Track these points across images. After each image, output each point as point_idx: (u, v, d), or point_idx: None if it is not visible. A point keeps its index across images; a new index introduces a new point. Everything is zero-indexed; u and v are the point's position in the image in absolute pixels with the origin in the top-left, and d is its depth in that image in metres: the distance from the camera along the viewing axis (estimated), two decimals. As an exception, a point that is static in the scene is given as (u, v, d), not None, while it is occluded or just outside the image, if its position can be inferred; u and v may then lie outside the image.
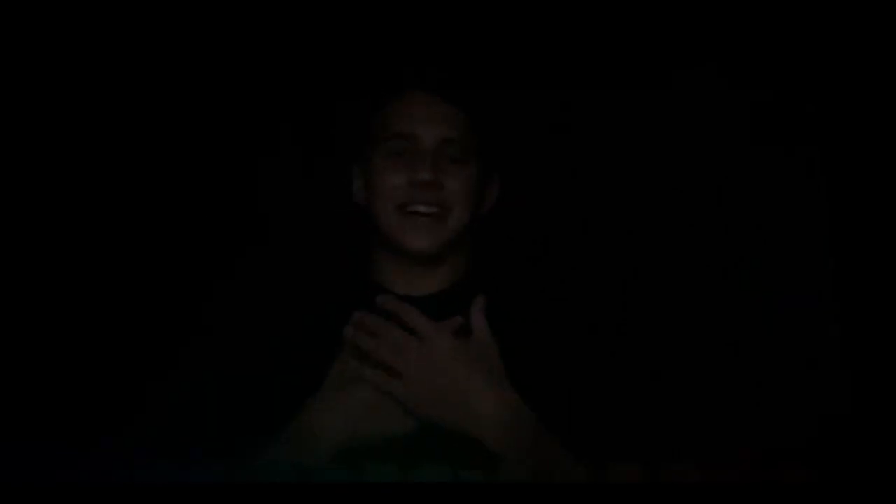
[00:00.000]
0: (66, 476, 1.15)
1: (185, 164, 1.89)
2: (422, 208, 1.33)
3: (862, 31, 1.78)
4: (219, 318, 1.69)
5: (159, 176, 1.89)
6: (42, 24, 1.83)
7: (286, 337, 1.35)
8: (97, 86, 1.86)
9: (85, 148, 1.86)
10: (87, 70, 1.86)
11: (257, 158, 1.90)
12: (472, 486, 1.14)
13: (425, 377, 1.17)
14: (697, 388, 1.79)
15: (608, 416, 1.30)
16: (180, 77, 1.89)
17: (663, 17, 1.87)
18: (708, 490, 1.14)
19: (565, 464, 1.18)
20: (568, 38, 1.89)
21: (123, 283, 1.86)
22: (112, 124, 1.87)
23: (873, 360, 1.75)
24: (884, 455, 1.55)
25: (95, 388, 1.78)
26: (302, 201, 1.88)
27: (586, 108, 1.88)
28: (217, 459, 1.18)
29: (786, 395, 1.78)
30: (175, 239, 1.88)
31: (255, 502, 1.13)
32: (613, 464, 1.17)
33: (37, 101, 1.83)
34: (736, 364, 1.80)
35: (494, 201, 1.45)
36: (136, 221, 1.88)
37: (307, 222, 1.87)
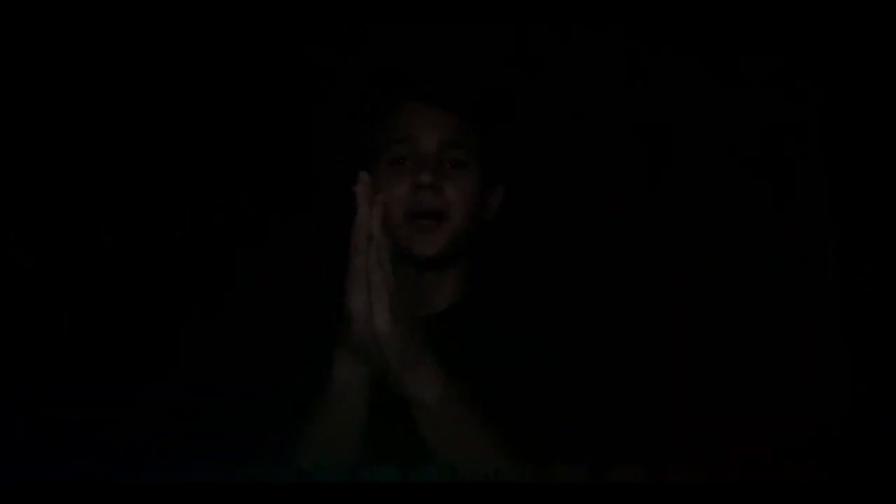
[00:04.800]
0: (66, 476, 1.15)
1: (186, 173, 1.90)
2: (423, 211, 1.33)
3: (864, 30, 1.78)
4: (219, 330, 1.70)
5: (156, 180, 1.89)
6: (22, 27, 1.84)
7: (287, 353, 1.36)
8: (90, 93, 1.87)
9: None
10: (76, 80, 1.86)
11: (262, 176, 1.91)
12: (472, 486, 1.14)
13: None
14: (698, 389, 1.79)
15: (610, 416, 1.31)
16: (187, 78, 1.90)
17: (671, 17, 1.87)
18: (708, 490, 1.13)
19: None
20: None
21: (124, 285, 1.86)
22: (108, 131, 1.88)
23: (875, 361, 1.75)
24: (884, 455, 1.55)
25: (95, 387, 1.78)
26: (305, 219, 1.89)
27: (590, 112, 1.89)
28: (217, 459, 1.18)
29: (787, 395, 1.78)
30: (174, 247, 1.89)
31: (255, 502, 1.13)
32: (615, 464, 1.17)
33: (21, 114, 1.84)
34: (737, 364, 1.80)
35: (497, 210, 1.45)
36: (138, 225, 1.89)
37: (310, 239, 1.88)
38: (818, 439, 1.69)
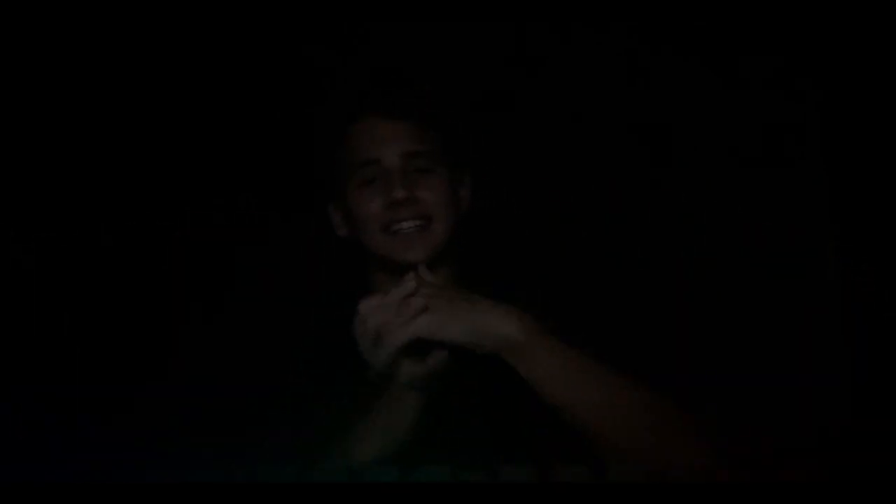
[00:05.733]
0: (66, 476, 1.15)
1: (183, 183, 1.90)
2: (405, 225, 1.36)
3: (864, 30, 1.78)
4: (219, 330, 1.70)
5: (156, 180, 1.89)
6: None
7: (287, 353, 1.36)
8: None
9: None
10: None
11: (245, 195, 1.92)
12: (472, 486, 1.14)
13: (444, 306, 1.18)
14: (698, 389, 1.79)
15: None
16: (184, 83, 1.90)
17: (667, 13, 1.87)
18: (708, 490, 1.13)
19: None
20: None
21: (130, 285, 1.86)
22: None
23: (875, 361, 1.75)
24: (884, 455, 1.55)
25: (96, 387, 1.78)
26: (305, 219, 1.89)
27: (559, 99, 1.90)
28: (217, 459, 1.18)
29: (787, 395, 1.78)
30: (174, 247, 1.89)
31: (255, 502, 1.13)
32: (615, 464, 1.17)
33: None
34: (737, 364, 1.80)
35: (469, 200, 1.47)
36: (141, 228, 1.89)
37: (310, 239, 1.88)
38: (818, 439, 1.69)
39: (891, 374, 1.72)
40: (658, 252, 1.86)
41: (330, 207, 1.47)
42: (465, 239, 1.45)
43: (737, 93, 1.87)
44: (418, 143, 1.38)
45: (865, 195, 1.79)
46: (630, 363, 1.56)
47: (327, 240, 1.82)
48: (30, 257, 1.82)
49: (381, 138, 1.37)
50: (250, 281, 1.90)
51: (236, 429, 1.31)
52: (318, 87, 1.94)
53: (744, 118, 1.87)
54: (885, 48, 1.76)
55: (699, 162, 1.87)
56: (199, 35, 1.90)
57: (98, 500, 1.11)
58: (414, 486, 1.12)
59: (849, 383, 1.77)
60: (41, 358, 1.79)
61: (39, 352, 1.79)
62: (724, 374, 1.78)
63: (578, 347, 1.20)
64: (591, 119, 1.90)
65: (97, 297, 1.85)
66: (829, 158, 1.83)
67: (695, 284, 1.84)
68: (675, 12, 1.87)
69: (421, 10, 1.90)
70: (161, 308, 1.88)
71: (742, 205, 1.85)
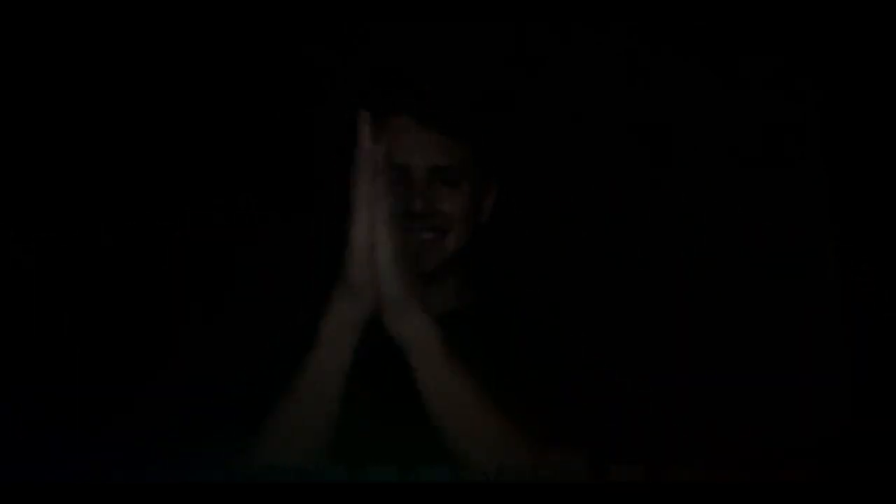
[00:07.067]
0: (66, 476, 1.15)
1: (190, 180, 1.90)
2: (419, 235, 1.34)
3: (864, 30, 1.78)
4: (219, 330, 1.70)
5: (156, 180, 1.89)
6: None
7: (287, 354, 1.36)
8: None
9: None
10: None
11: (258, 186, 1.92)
12: (472, 486, 1.14)
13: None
14: (698, 389, 1.79)
15: (611, 417, 1.31)
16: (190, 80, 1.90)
17: (669, 16, 1.87)
18: (708, 490, 1.13)
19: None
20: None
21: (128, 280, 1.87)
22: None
23: (875, 361, 1.75)
24: (884, 456, 1.55)
25: (93, 387, 1.78)
26: (305, 219, 1.89)
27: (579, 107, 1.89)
28: (217, 459, 1.18)
29: (787, 395, 1.78)
30: (174, 247, 1.89)
31: (256, 502, 1.13)
32: (614, 464, 1.17)
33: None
34: (737, 364, 1.80)
35: (491, 208, 1.45)
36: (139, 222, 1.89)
37: (310, 239, 1.88)
38: (818, 439, 1.69)
39: (891, 374, 1.72)
40: (658, 252, 1.86)
41: None
42: (473, 244, 1.44)
43: (737, 93, 1.87)
44: (447, 157, 1.35)
45: (865, 195, 1.79)
46: (630, 363, 1.57)
47: (328, 240, 1.83)
48: (30, 257, 1.82)
49: (411, 146, 1.35)
50: (250, 281, 1.90)
51: (236, 429, 1.31)
52: (318, 87, 1.94)
53: (744, 118, 1.87)
54: (885, 48, 1.77)
55: (699, 162, 1.87)
56: (199, 35, 1.91)
57: (98, 500, 1.12)
58: (414, 486, 1.12)
59: (849, 383, 1.77)
60: (41, 358, 1.79)
61: (39, 352, 1.79)
62: (724, 374, 1.78)
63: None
64: (592, 119, 1.90)
65: (97, 297, 1.85)
66: (829, 158, 1.83)
67: (695, 284, 1.84)
68: (675, 12, 1.87)
69: (421, 10, 1.90)
70: (161, 308, 1.88)
71: (742, 205, 1.85)
